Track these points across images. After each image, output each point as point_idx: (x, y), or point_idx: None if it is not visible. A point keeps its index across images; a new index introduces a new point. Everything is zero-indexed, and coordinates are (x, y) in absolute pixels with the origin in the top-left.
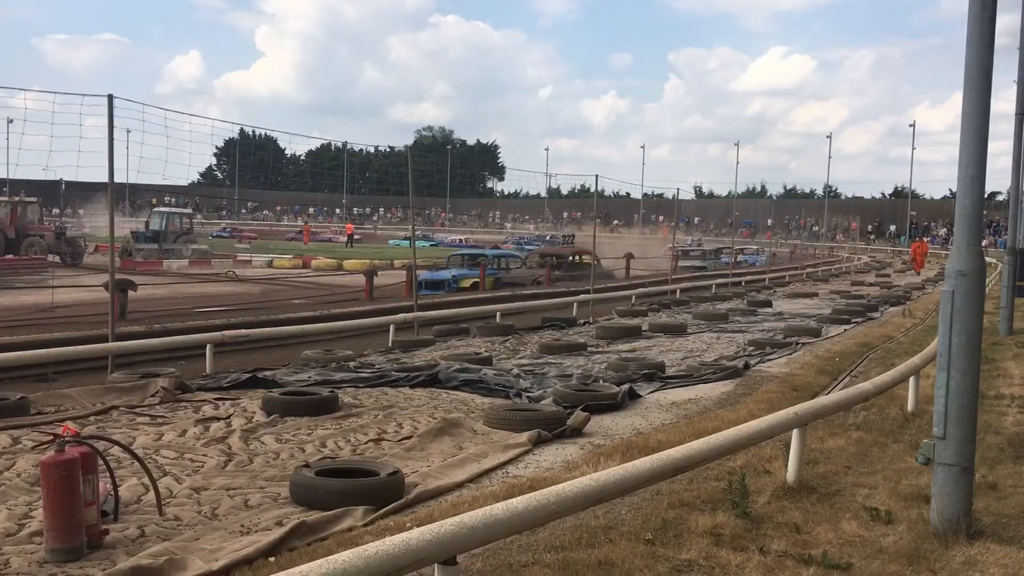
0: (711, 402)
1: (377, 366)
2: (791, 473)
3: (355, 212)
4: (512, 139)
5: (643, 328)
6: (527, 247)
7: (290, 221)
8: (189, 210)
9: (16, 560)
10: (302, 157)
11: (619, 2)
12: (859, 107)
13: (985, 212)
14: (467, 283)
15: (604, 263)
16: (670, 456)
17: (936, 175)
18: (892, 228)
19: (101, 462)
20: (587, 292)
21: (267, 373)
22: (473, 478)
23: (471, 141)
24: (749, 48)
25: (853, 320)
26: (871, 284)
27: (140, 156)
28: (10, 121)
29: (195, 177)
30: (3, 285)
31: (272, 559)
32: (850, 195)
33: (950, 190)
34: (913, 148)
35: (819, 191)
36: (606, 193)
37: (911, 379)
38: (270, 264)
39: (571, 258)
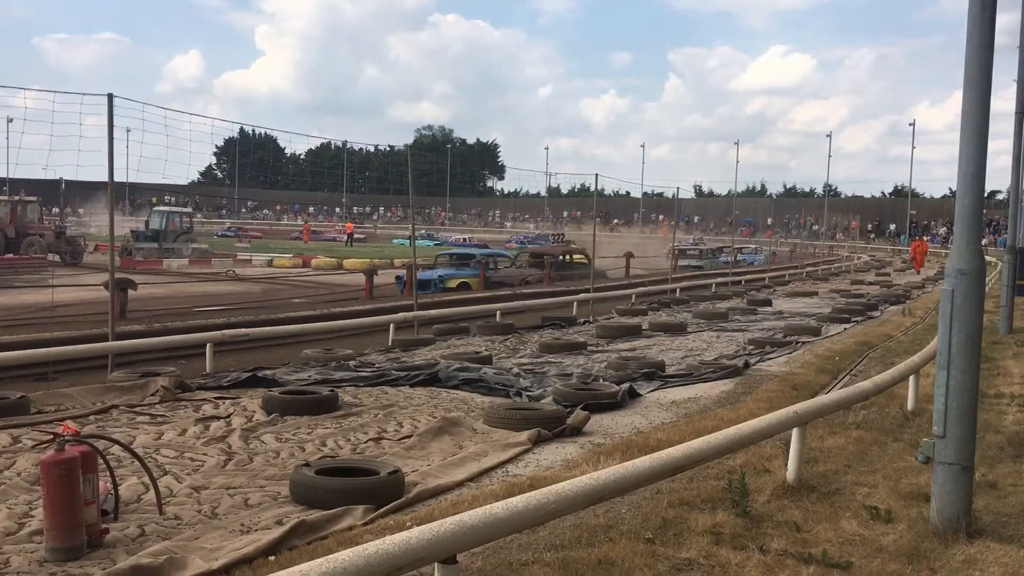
0: (711, 401)
1: (377, 365)
2: (791, 472)
3: (355, 211)
4: (512, 138)
5: (643, 327)
6: (531, 246)
7: (290, 220)
8: (189, 209)
9: (16, 559)
10: (302, 156)
11: (619, 1)
12: (859, 106)
13: (985, 211)
14: (453, 283)
15: (597, 263)
16: (670, 455)
17: (936, 174)
18: (892, 227)
19: (101, 461)
20: (587, 291)
21: (267, 372)
22: (473, 477)
23: (471, 140)
24: (749, 47)
25: (853, 319)
26: (871, 283)
27: (140, 155)
28: (10, 120)
29: (195, 176)
30: (3, 284)
31: (272, 558)
32: (850, 194)
33: (950, 189)
34: (913, 147)
35: (819, 190)
36: (606, 192)
37: (911, 378)
38: (270, 263)
39: (562, 257)
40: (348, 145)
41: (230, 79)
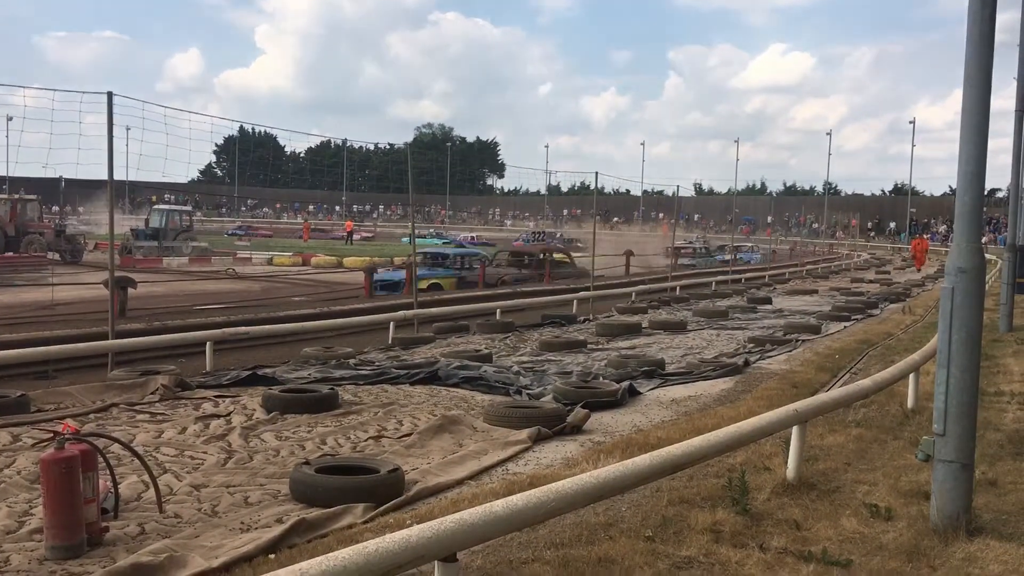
0: (711, 399)
1: (377, 363)
2: (791, 470)
3: (355, 209)
4: (512, 136)
5: (643, 325)
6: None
7: (290, 218)
8: (189, 208)
9: (16, 558)
10: (302, 154)
11: None
12: (859, 104)
13: (985, 209)
14: (423, 284)
15: (588, 261)
16: (670, 453)
17: (936, 172)
18: (892, 225)
19: (101, 459)
20: (587, 289)
21: (267, 370)
22: (473, 475)
23: (471, 138)
24: (749, 45)
25: (853, 317)
26: (871, 281)
27: (140, 153)
28: (10, 119)
29: (195, 174)
30: (3, 283)
31: (272, 556)
32: (850, 192)
33: (950, 187)
34: (913, 145)
35: (819, 188)
36: (606, 190)
37: (911, 376)
38: (270, 261)
39: (542, 256)
40: (348, 143)
41: (230, 77)
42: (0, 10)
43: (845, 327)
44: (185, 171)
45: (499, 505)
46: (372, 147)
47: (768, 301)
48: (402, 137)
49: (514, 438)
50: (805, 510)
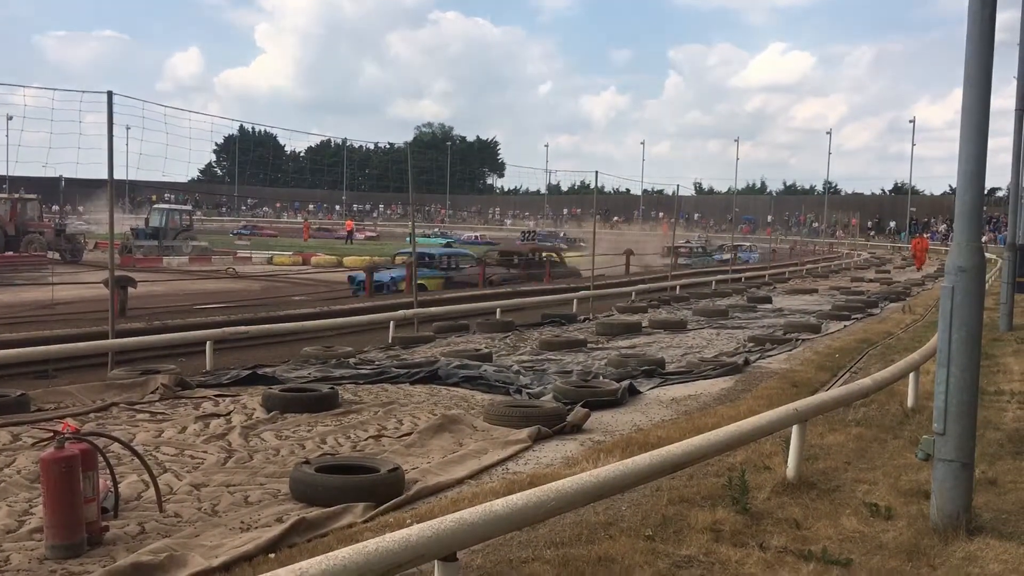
0: (711, 398)
1: (377, 363)
2: (791, 469)
3: (355, 209)
4: (512, 135)
5: (643, 324)
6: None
7: (290, 218)
8: (189, 207)
9: (16, 557)
10: (302, 154)
11: None
12: (859, 103)
13: (985, 208)
14: (404, 285)
15: (582, 261)
16: (670, 452)
17: (936, 171)
18: (892, 224)
19: (101, 459)
20: (587, 288)
21: (267, 370)
22: (473, 474)
23: (471, 137)
24: (749, 44)
25: (853, 316)
26: (871, 280)
27: (140, 153)
28: (10, 118)
29: (195, 174)
30: (3, 282)
31: (272, 555)
32: (850, 191)
33: (950, 186)
34: (913, 144)
35: (819, 187)
36: (606, 189)
37: (911, 375)
38: (270, 261)
39: (531, 256)
40: (348, 143)
41: (230, 77)
42: (0, 9)
43: (845, 326)
44: (185, 170)
45: (499, 504)
46: (372, 146)
47: (768, 300)
48: (402, 136)
49: (514, 437)
50: (805, 509)
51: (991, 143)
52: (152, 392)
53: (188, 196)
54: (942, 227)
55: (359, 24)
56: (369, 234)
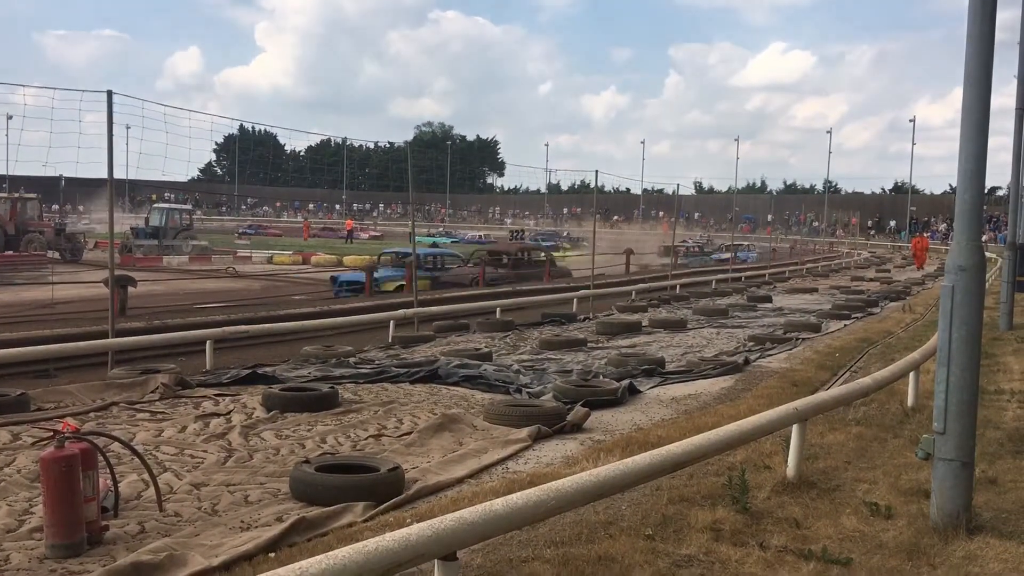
0: (711, 397)
1: (377, 362)
2: (791, 468)
3: (355, 208)
4: (512, 135)
5: (643, 324)
6: (544, 243)
7: (290, 217)
8: (189, 206)
9: (16, 556)
10: (302, 153)
11: None
12: (859, 102)
13: (985, 207)
14: (391, 286)
15: (576, 260)
16: (670, 452)
17: (936, 170)
18: (892, 223)
19: (101, 458)
20: (587, 288)
21: (267, 369)
22: (473, 474)
23: (471, 137)
24: (749, 43)
25: (853, 315)
26: (871, 279)
27: (140, 152)
28: (10, 117)
29: (195, 173)
30: (3, 281)
31: (272, 555)
32: (850, 190)
33: (950, 185)
34: (913, 143)
35: (819, 186)
36: (606, 189)
37: (911, 374)
38: (270, 260)
39: (519, 255)
40: (348, 142)
41: (230, 76)
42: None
43: (845, 325)
44: (185, 170)
45: (499, 503)
46: (372, 145)
47: (768, 299)
48: (402, 135)
49: (514, 437)
50: (805, 508)
51: (991, 142)
52: (152, 391)
53: (188, 195)
54: (942, 226)
55: (359, 23)
56: (373, 234)
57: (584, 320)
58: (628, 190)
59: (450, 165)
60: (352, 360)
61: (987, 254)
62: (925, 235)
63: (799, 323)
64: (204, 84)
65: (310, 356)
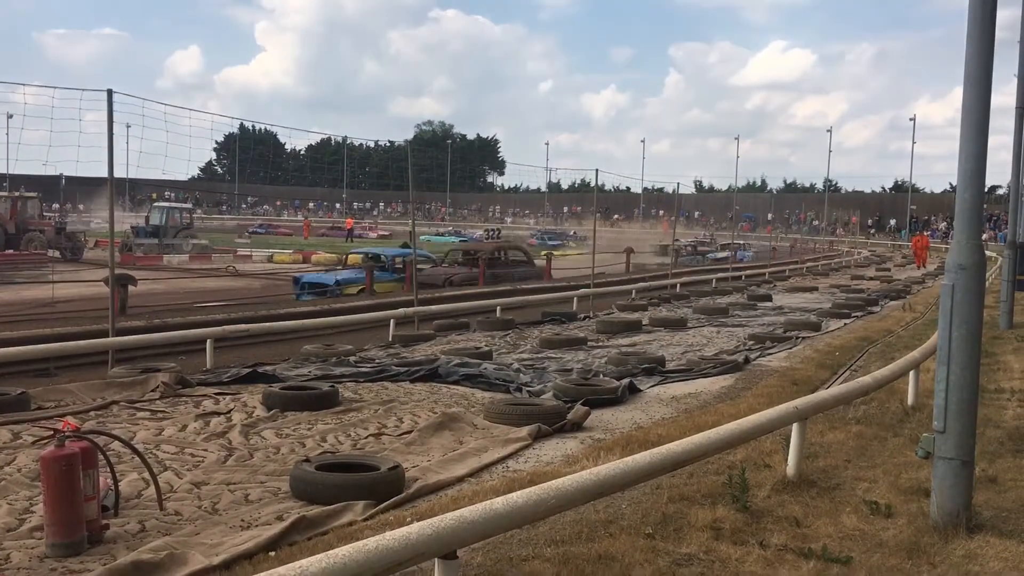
0: (711, 396)
1: (377, 361)
2: (791, 467)
3: (355, 207)
4: (512, 133)
5: (643, 322)
6: (551, 242)
7: (290, 216)
8: (189, 205)
9: (17, 555)
10: (302, 152)
11: None
12: (859, 101)
13: (985, 206)
14: (354, 290)
15: (570, 259)
16: (670, 450)
17: (936, 169)
18: (892, 222)
19: (101, 457)
20: (587, 287)
21: (267, 368)
22: (473, 472)
23: (471, 135)
24: (749, 42)
25: (853, 314)
26: (871, 278)
27: (140, 151)
28: (10, 116)
29: (195, 172)
30: (3, 280)
31: (272, 553)
32: (850, 189)
33: (950, 184)
34: (913, 142)
35: (819, 185)
36: (606, 187)
37: (911, 373)
38: (270, 259)
39: (496, 255)
40: (348, 141)
41: (230, 75)
42: (0, 7)
43: (845, 324)
44: (185, 168)
45: (499, 502)
46: (372, 144)
47: (768, 298)
48: (402, 134)
49: (514, 435)
50: (805, 507)
51: (991, 141)
52: (152, 390)
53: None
54: (942, 225)
55: (359, 22)
56: (382, 233)
57: (584, 319)
58: (628, 189)
59: (450, 164)
60: (352, 359)
61: (987, 253)
62: (925, 234)
63: (799, 322)
64: (204, 83)
65: (310, 355)
